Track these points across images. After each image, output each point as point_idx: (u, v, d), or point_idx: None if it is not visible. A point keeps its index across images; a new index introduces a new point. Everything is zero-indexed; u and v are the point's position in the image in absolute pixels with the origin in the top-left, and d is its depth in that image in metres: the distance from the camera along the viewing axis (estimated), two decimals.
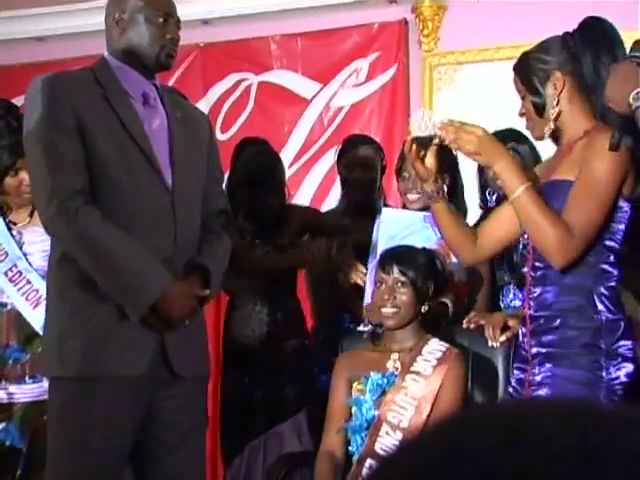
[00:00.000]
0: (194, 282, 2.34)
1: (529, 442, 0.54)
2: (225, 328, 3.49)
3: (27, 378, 2.95)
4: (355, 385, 2.69)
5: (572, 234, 2.14)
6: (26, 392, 2.96)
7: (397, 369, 2.66)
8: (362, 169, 3.45)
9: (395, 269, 2.69)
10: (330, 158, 5.06)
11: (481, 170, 3.19)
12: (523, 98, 2.32)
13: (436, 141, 2.29)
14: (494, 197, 3.10)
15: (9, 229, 2.98)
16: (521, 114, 2.36)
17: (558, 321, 2.24)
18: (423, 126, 2.28)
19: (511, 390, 2.41)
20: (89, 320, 2.23)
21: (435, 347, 2.67)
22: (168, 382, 2.32)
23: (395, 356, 2.69)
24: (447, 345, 2.68)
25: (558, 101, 2.27)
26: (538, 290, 2.29)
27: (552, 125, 2.27)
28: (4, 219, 2.99)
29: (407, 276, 2.68)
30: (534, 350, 2.30)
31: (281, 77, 5.24)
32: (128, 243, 2.23)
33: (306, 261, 3.20)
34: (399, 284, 2.69)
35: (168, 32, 2.36)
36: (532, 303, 2.30)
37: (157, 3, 2.37)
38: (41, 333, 2.84)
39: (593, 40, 2.23)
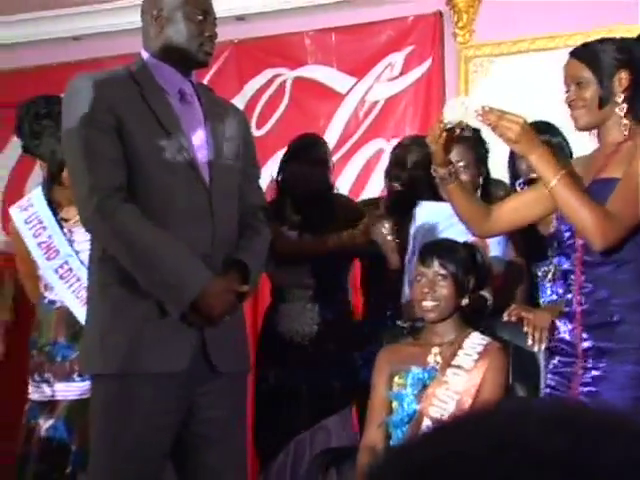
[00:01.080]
0: (233, 278, 2.34)
1: (516, 450, 0.55)
2: (268, 320, 3.48)
3: (75, 376, 2.98)
4: (396, 379, 2.68)
5: (611, 217, 2.20)
6: (74, 390, 2.98)
7: (438, 363, 2.65)
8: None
9: (435, 262, 2.68)
10: (366, 152, 5.06)
11: (512, 162, 3.18)
12: (581, 86, 2.32)
13: (466, 132, 2.33)
14: (524, 188, 3.08)
15: (60, 227, 3.01)
16: (569, 101, 2.35)
17: (616, 316, 2.26)
18: (459, 112, 2.28)
19: (553, 383, 2.39)
20: (130, 317, 2.24)
21: (476, 341, 2.65)
22: (208, 377, 2.32)
23: (436, 350, 2.68)
24: (488, 339, 2.66)
25: (623, 99, 2.30)
26: (590, 286, 2.30)
27: (625, 121, 2.30)
28: (55, 216, 3.02)
29: (447, 269, 2.67)
30: (586, 344, 2.30)
31: (316, 72, 5.22)
32: (167, 240, 2.24)
33: (345, 244, 3.21)
34: (439, 277, 2.68)
35: (206, 29, 2.36)
36: (583, 299, 2.31)
37: (196, 0, 2.37)
38: None
39: None
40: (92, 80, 2.28)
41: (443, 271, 2.68)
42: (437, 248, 2.70)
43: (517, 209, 2.48)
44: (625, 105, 2.31)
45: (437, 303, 2.67)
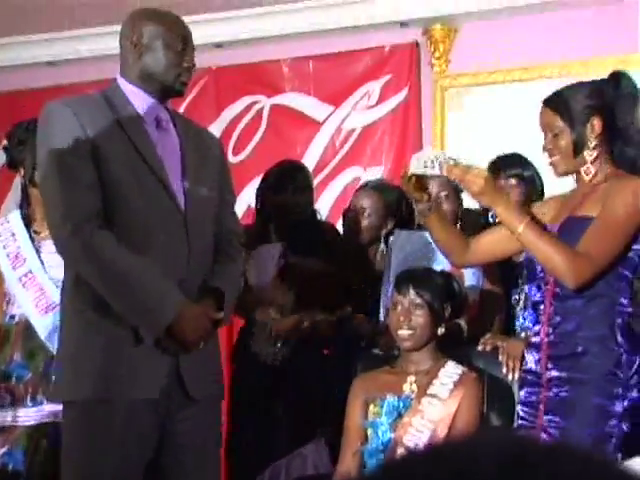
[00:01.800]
0: (209, 305, 2.33)
1: None
2: (240, 341, 3.45)
3: (28, 401, 2.96)
4: (371, 407, 2.68)
5: (581, 256, 2.26)
6: (29, 416, 2.95)
7: (413, 392, 2.66)
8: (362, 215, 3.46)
9: (411, 291, 2.69)
10: (343, 180, 5.08)
11: None
12: (555, 135, 2.39)
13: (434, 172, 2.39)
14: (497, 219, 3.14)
15: (32, 239, 3.04)
16: (546, 149, 2.43)
17: (580, 348, 2.31)
18: (426, 164, 2.37)
19: (522, 414, 2.44)
20: (103, 342, 2.23)
21: (452, 370, 2.66)
22: (182, 404, 2.31)
23: (412, 378, 2.68)
24: (464, 368, 2.67)
25: (595, 145, 2.37)
26: (558, 318, 2.36)
27: (592, 168, 2.38)
28: (28, 229, 3.04)
29: (423, 298, 2.68)
30: (551, 374, 2.35)
31: (293, 99, 5.25)
32: (142, 265, 2.23)
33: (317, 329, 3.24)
34: (415, 306, 2.69)
35: (185, 60, 2.36)
36: (550, 329, 2.37)
37: (176, 29, 2.37)
38: (46, 343, 2.86)
39: (624, 92, 2.37)
40: (67, 105, 2.28)
41: (419, 300, 2.69)
42: (413, 276, 2.72)
43: (495, 242, 2.53)
44: (595, 152, 2.37)
45: (413, 332, 2.68)
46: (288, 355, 3.27)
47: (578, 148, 2.38)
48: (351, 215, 3.47)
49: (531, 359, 2.42)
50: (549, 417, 2.34)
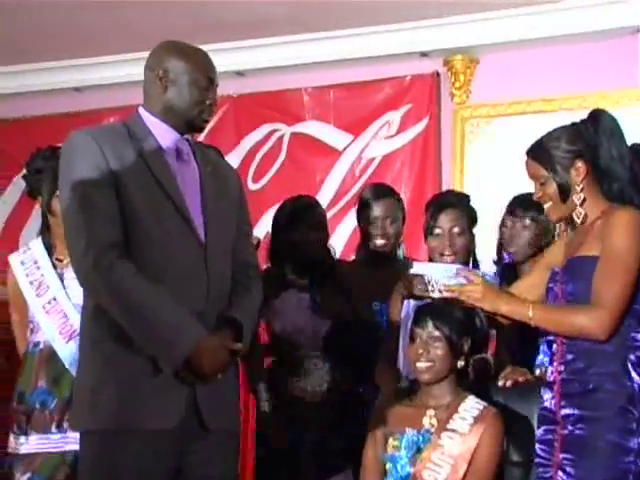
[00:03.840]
0: (226, 336, 2.32)
1: None
2: (275, 375, 3.39)
3: (53, 428, 2.95)
4: (390, 441, 2.67)
5: (597, 306, 2.31)
6: (52, 443, 2.95)
7: (433, 426, 2.64)
8: (384, 222, 3.42)
9: (429, 324, 2.68)
10: None
11: (501, 229, 3.24)
12: (543, 184, 2.45)
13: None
14: (508, 256, 3.15)
15: (54, 266, 3.05)
16: (537, 198, 2.50)
17: (592, 385, 2.33)
18: (425, 287, 2.58)
19: (539, 451, 2.45)
20: (122, 372, 2.22)
21: (472, 405, 2.64)
22: (199, 435, 2.30)
23: (431, 412, 2.67)
24: (484, 403, 2.65)
25: (582, 188, 2.42)
26: (570, 356, 2.39)
27: (581, 210, 2.43)
28: (50, 256, 3.08)
29: (441, 331, 2.67)
30: (565, 412, 2.37)
31: (313, 128, 5.28)
32: (162, 296, 2.23)
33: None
34: (433, 339, 2.68)
35: (209, 97, 2.37)
36: (562, 367, 2.39)
37: (203, 68, 2.38)
38: (70, 370, 2.86)
39: (605, 130, 2.42)
40: (91, 135, 2.28)
41: (437, 333, 2.68)
42: (432, 309, 2.70)
43: (533, 286, 2.59)
44: (582, 194, 2.41)
45: (431, 364, 2.67)
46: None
47: (565, 194, 2.42)
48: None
49: (546, 397, 2.44)
50: (565, 455, 2.34)
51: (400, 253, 3.46)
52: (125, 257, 2.22)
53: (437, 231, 3.14)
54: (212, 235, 2.36)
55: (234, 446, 2.48)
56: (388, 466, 2.64)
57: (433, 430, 2.63)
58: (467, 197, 3.29)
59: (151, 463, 2.22)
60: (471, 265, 3.13)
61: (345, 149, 5.21)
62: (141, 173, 2.28)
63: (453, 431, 2.60)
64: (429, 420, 2.66)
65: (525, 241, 3.11)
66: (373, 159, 5.17)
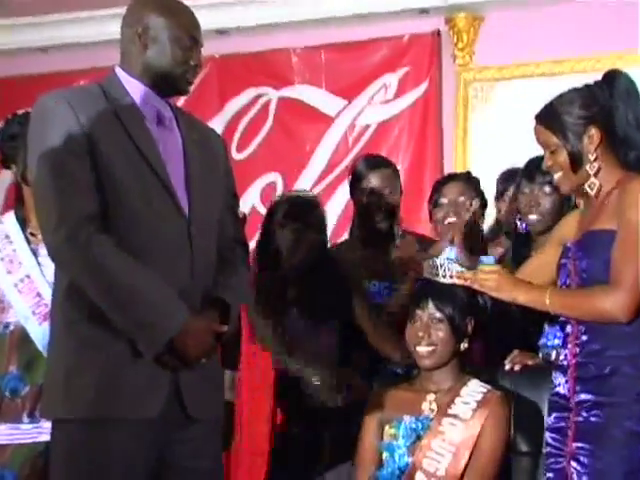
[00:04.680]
0: (212, 317, 2.33)
1: None
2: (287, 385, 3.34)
3: (25, 417, 2.95)
4: (387, 429, 2.69)
5: (616, 286, 2.31)
6: (23, 433, 2.95)
7: (433, 411, 2.66)
8: (382, 195, 3.42)
9: (430, 304, 2.70)
10: None
11: (515, 198, 3.24)
12: (553, 152, 2.45)
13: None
14: (524, 225, 3.14)
15: (28, 241, 3.04)
16: (547, 167, 2.50)
17: (608, 369, 2.33)
18: (434, 270, 2.66)
19: (550, 440, 2.47)
20: (99, 356, 2.23)
21: (475, 389, 2.66)
22: (182, 424, 2.31)
23: (431, 397, 2.69)
24: (488, 387, 2.67)
25: (596, 156, 2.41)
26: (585, 337, 2.39)
27: (595, 181, 2.43)
28: (24, 231, 3.05)
29: (443, 312, 2.69)
30: (579, 397, 2.38)
31: (303, 92, 5.27)
32: (143, 274, 2.23)
33: None
34: (434, 320, 2.70)
35: (192, 58, 2.36)
36: (577, 350, 2.40)
37: (187, 25, 2.37)
38: (44, 353, 2.86)
39: (621, 93, 2.41)
40: (62, 98, 2.27)
41: (438, 314, 2.70)
42: (432, 288, 2.72)
43: (546, 264, 2.60)
44: (596, 164, 2.41)
45: (433, 348, 2.70)
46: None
47: (578, 163, 2.42)
48: None
49: (559, 382, 2.45)
50: (579, 444, 2.35)
51: (396, 229, 3.47)
52: (103, 231, 2.22)
53: (442, 200, 3.18)
54: (197, 208, 2.36)
55: (218, 434, 2.50)
56: (385, 455, 2.66)
57: (433, 416, 2.65)
58: (478, 181, 3.37)
59: (132, 454, 2.23)
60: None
61: (337, 115, 5.21)
62: (119, 140, 2.27)
63: (455, 417, 2.62)
64: (429, 405, 2.68)
65: (547, 208, 3.05)
66: (368, 126, 5.17)
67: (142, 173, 2.28)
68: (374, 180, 3.41)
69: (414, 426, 2.64)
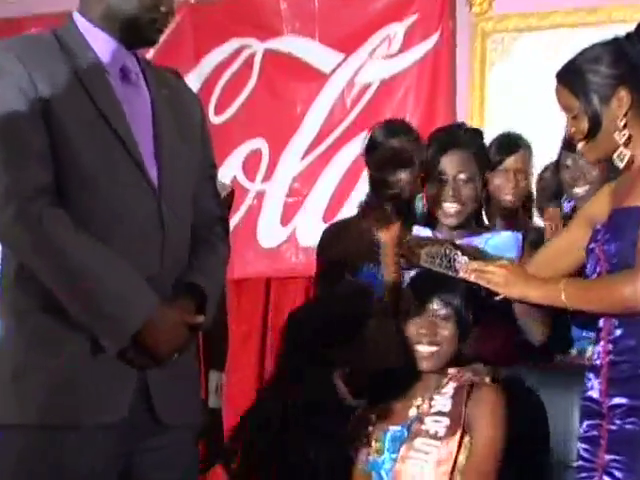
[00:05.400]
0: (186, 306, 2.35)
1: None
2: None
3: None
4: (373, 445, 2.75)
5: (637, 272, 2.31)
6: None
7: (420, 415, 2.72)
8: (399, 167, 3.47)
9: (435, 298, 2.74)
10: (354, 148, 5.08)
11: (557, 170, 3.25)
12: (575, 117, 2.45)
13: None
14: (570, 204, 3.14)
15: None
16: (571, 135, 2.50)
17: None
18: (434, 260, 2.67)
19: (582, 452, 2.47)
20: (53, 353, 2.23)
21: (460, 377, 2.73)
22: (151, 431, 2.32)
23: (419, 401, 2.74)
24: (470, 374, 2.72)
25: (626, 123, 2.41)
26: (619, 332, 2.39)
27: (625, 151, 2.42)
28: None
29: (451, 307, 2.73)
30: (613, 401, 2.38)
31: (293, 45, 5.27)
32: (105, 255, 2.23)
33: None
34: (439, 317, 2.74)
35: (163, 3, 2.35)
36: (611, 346, 2.40)
37: None
38: None
39: None
40: (12, 52, 2.25)
41: (445, 310, 2.74)
42: (436, 280, 2.74)
43: (571, 245, 2.61)
44: (627, 131, 2.41)
45: (436, 349, 2.74)
46: None
47: (604, 130, 2.42)
48: None
49: (591, 384, 2.46)
50: (612, 456, 2.36)
51: (420, 205, 3.49)
52: (58, 206, 2.22)
53: (439, 177, 3.18)
54: (168, 180, 2.36)
55: (195, 444, 2.52)
56: (373, 475, 2.71)
57: (416, 418, 2.71)
58: (480, 134, 3.34)
59: (91, 466, 2.23)
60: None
61: (333, 72, 5.21)
62: (78, 100, 2.27)
63: (438, 414, 2.68)
64: (416, 410, 2.73)
65: (595, 177, 3.07)
66: (369, 85, 5.17)
67: (104, 138, 2.27)
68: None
69: (399, 434, 2.70)
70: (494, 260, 2.61)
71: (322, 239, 3.68)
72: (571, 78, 2.45)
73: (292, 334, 3.06)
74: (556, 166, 3.27)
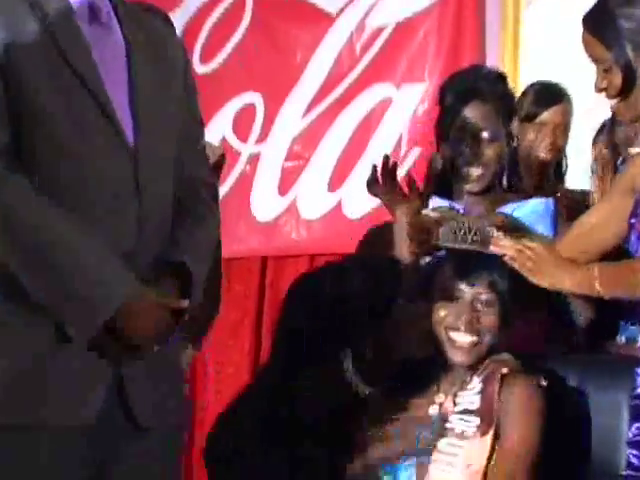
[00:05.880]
0: (168, 288, 2.36)
1: None
2: None
3: None
4: (390, 446, 2.78)
5: None
6: None
7: (443, 414, 2.74)
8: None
9: (480, 278, 2.74)
10: (364, 103, 5.08)
11: (611, 130, 3.27)
12: (607, 70, 2.48)
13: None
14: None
15: None
16: (601, 91, 2.53)
17: None
18: (458, 235, 2.68)
19: (631, 458, 2.49)
20: (13, 343, 2.25)
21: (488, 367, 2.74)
22: (127, 434, 2.34)
23: (441, 397, 2.76)
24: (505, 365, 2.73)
25: None
26: None
27: None
28: None
29: (497, 291, 2.73)
30: None
31: None
32: (72, 227, 2.24)
33: None
34: (483, 302, 2.75)
35: None
36: None
37: None
38: None
39: None
40: None
41: (488, 295, 2.74)
42: (481, 259, 2.75)
43: (611, 216, 2.65)
44: None
45: (476, 339, 2.75)
46: None
47: (633, 85, 2.45)
48: None
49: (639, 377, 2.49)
50: None
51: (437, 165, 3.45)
52: (17, 169, 2.23)
53: (456, 134, 3.18)
54: (145, 139, 2.37)
55: (177, 448, 2.54)
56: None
57: (439, 417, 2.74)
58: (504, 79, 3.32)
59: (61, 472, 2.25)
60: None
61: (340, 13, 5.18)
62: (39, 45, 2.27)
63: (463, 412, 2.70)
64: (438, 408, 2.76)
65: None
66: (382, 28, 5.14)
67: (70, 91, 2.28)
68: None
69: (419, 435, 2.73)
70: (527, 235, 2.62)
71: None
72: (600, 25, 2.46)
73: (300, 303, 3.04)
74: (611, 126, 3.29)
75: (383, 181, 3.07)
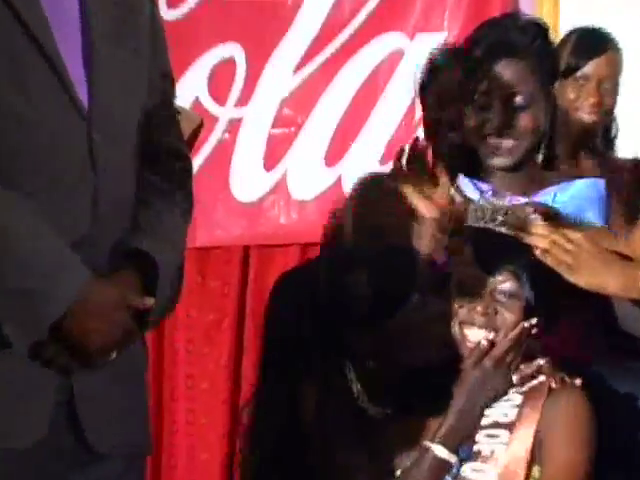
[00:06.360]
0: (129, 282, 2.37)
1: None
2: None
3: None
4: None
5: None
6: None
7: None
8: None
9: (502, 268, 2.75)
10: (368, 57, 5.08)
11: None
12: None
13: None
14: None
15: None
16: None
17: None
18: (485, 216, 2.72)
19: None
20: None
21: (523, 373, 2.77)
22: (77, 461, 2.35)
23: None
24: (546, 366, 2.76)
25: None
26: None
27: None
28: None
29: (521, 282, 2.73)
30: None
31: None
32: (12, 208, 2.24)
33: None
34: (505, 294, 2.75)
35: None
36: None
37: None
38: None
39: None
40: None
41: (511, 285, 2.75)
42: (503, 242, 2.75)
43: None
44: None
45: (493, 335, 2.77)
46: None
47: None
48: None
49: None
50: None
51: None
52: None
53: (482, 100, 3.16)
54: (102, 100, 2.38)
55: (140, 477, 2.57)
56: None
57: None
58: (544, 31, 3.30)
59: None
60: None
61: None
62: None
63: (492, 426, 2.72)
64: None
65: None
66: None
67: (15, 44, 2.29)
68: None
69: None
70: (574, 225, 2.63)
71: None
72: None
73: (291, 303, 3.01)
74: None
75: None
